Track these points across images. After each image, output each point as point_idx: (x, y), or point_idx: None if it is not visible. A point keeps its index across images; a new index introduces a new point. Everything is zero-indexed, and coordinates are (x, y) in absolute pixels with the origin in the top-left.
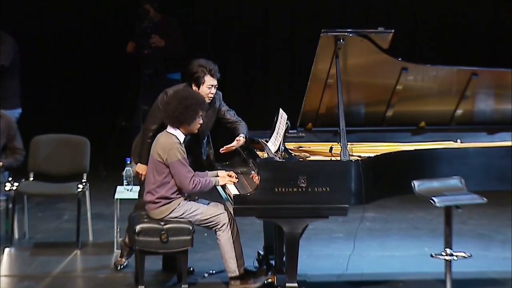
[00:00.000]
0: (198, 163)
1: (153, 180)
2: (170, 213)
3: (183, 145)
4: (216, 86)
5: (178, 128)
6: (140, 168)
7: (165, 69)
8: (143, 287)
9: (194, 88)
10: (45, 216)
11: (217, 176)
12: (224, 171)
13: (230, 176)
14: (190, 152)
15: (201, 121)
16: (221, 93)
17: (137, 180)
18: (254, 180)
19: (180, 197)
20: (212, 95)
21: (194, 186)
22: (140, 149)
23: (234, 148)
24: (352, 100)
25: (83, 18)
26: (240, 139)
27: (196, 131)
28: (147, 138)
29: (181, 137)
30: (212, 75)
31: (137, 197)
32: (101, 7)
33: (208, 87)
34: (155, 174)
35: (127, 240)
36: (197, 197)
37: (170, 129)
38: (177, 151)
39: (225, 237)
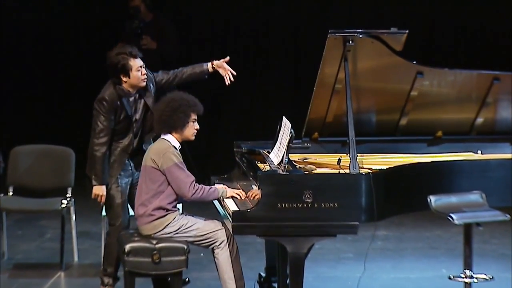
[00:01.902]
0: None
1: (145, 189)
2: (164, 228)
3: (179, 151)
4: (144, 66)
5: (170, 134)
6: (98, 190)
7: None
8: None
9: (125, 79)
10: (26, 235)
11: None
12: (222, 185)
13: (239, 193)
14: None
15: (197, 126)
16: (148, 69)
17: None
18: (251, 193)
19: (176, 211)
20: (144, 76)
21: (195, 192)
22: (93, 168)
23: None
24: (363, 107)
25: (67, 18)
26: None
27: (193, 137)
28: (99, 155)
29: (176, 143)
30: (135, 57)
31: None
32: (86, 6)
33: (137, 70)
34: (149, 183)
35: (108, 267)
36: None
37: (163, 135)
38: (172, 154)
39: (223, 255)
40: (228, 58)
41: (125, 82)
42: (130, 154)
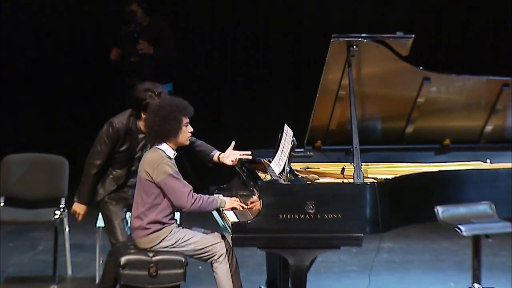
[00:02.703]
0: None
1: (141, 202)
2: (160, 242)
3: (173, 161)
4: None
5: (164, 143)
6: (78, 207)
7: (154, 80)
8: None
9: (144, 115)
10: (18, 247)
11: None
12: (221, 195)
13: (239, 203)
14: None
15: (191, 129)
16: None
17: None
18: (251, 204)
19: (172, 223)
20: None
21: (194, 202)
22: (81, 185)
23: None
24: (367, 114)
25: (61, 26)
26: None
27: (188, 142)
28: (91, 175)
29: (170, 152)
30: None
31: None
32: (80, 10)
33: None
34: (144, 196)
35: (105, 284)
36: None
37: (156, 144)
38: (167, 165)
39: (222, 269)
40: (233, 143)
41: (143, 118)
42: (119, 186)
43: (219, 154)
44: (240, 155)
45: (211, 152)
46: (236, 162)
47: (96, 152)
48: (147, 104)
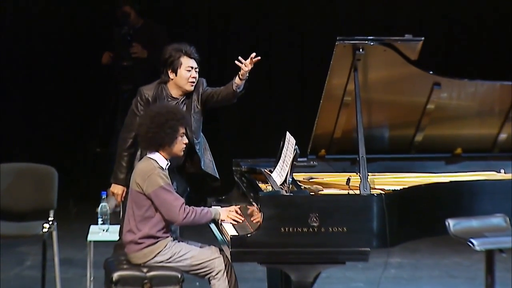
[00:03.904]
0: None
1: (132, 215)
2: (155, 257)
3: (167, 171)
4: (197, 70)
5: (157, 152)
6: (115, 188)
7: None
8: None
9: (172, 76)
10: (3, 262)
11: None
12: (219, 207)
13: (235, 211)
14: (182, 170)
15: (185, 141)
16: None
17: (114, 213)
18: (256, 218)
19: (167, 237)
20: (194, 80)
21: (186, 216)
22: (116, 164)
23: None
24: (374, 121)
25: (49, 29)
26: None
27: (182, 153)
28: (123, 150)
29: (163, 162)
30: (189, 55)
31: (115, 238)
32: (70, 11)
33: (187, 69)
34: (135, 208)
35: None
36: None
37: (150, 153)
38: (158, 176)
39: (221, 286)
40: (254, 54)
41: (172, 80)
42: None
43: (236, 77)
44: (251, 58)
45: (231, 85)
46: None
47: (127, 125)
48: (173, 61)
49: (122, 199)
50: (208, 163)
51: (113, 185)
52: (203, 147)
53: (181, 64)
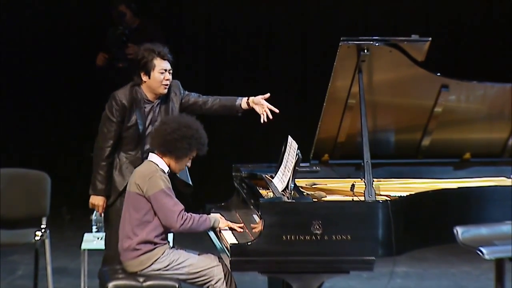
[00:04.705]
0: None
1: (129, 219)
2: (152, 264)
3: (167, 175)
4: (171, 72)
5: (162, 157)
6: (95, 199)
7: None
8: None
9: (145, 78)
10: None
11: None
12: (219, 214)
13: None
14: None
15: (189, 165)
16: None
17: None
18: (254, 227)
19: (165, 244)
20: (167, 82)
21: (184, 223)
22: (94, 175)
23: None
24: (379, 125)
25: (41, 25)
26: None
27: (178, 172)
28: (101, 160)
29: (164, 167)
30: (162, 57)
31: None
32: (63, 11)
33: (160, 72)
34: (132, 212)
35: None
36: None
37: (152, 157)
38: (160, 179)
39: None
40: (268, 94)
41: (145, 82)
42: None
43: (247, 100)
44: (267, 107)
45: (236, 101)
46: (263, 110)
47: (104, 134)
48: (146, 62)
49: (103, 210)
50: None
51: (92, 196)
52: None
53: (154, 66)
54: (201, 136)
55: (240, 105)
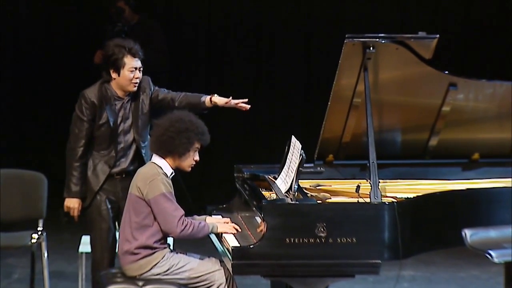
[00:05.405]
0: None
1: (129, 222)
2: (151, 269)
3: (170, 179)
4: (141, 69)
5: (165, 159)
6: (70, 202)
7: None
8: None
9: (114, 75)
10: None
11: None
12: (220, 216)
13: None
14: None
15: (197, 158)
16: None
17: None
18: (259, 229)
19: (165, 248)
20: (137, 80)
21: (184, 229)
22: (67, 177)
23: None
24: (385, 125)
25: (37, 23)
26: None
27: (189, 169)
28: (74, 161)
29: (168, 170)
30: (133, 55)
31: None
32: (60, 7)
33: (131, 70)
34: (132, 215)
35: None
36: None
37: (155, 158)
38: (161, 182)
39: None
40: (230, 98)
41: (114, 79)
42: (117, 173)
43: (211, 97)
44: (235, 103)
45: (200, 99)
46: (230, 102)
47: (75, 134)
48: (116, 59)
49: (79, 213)
50: None
51: (67, 199)
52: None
53: (124, 64)
54: (197, 126)
55: (204, 102)
